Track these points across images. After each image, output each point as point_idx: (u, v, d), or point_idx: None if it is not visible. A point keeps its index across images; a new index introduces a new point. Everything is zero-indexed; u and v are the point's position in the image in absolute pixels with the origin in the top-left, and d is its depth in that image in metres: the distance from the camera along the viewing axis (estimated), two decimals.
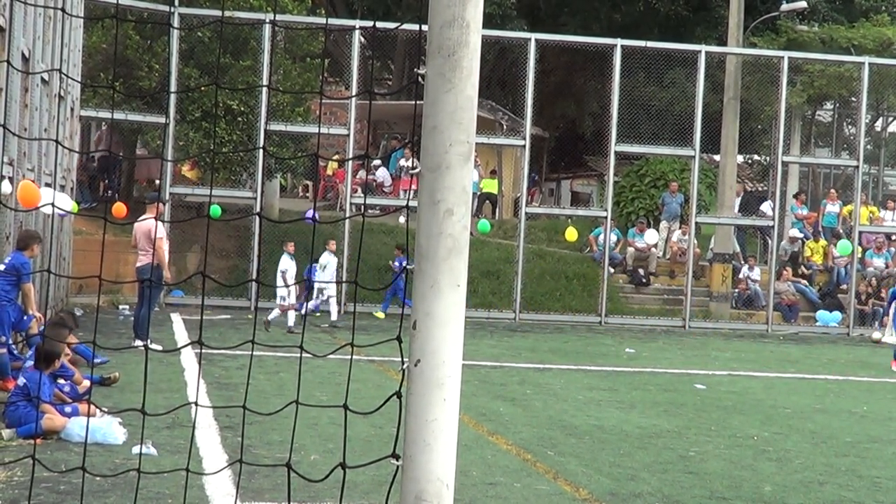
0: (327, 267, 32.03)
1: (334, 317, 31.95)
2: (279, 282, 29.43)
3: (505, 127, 48.35)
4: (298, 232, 35.80)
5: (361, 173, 45.80)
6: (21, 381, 15.65)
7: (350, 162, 41.64)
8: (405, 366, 4.48)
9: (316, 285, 32.13)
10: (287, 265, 30.20)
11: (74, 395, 16.68)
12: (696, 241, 41.22)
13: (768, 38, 54.34)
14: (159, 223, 24.87)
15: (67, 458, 13.18)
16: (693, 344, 34.10)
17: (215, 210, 35.72)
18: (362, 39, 40.19)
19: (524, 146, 40.09)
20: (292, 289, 29.92)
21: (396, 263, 35.30)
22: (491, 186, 47.47)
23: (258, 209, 37.05)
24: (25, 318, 18.69)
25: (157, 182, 40.88)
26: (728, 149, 43.84)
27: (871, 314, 41.18)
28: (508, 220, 45.75)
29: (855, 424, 20.46)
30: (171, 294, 34.57)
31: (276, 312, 29.82)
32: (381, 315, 35.06)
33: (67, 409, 15.79)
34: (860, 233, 42.60)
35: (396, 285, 32.46)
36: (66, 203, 26.12)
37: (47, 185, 23.80)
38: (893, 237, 44.31)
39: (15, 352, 18.41)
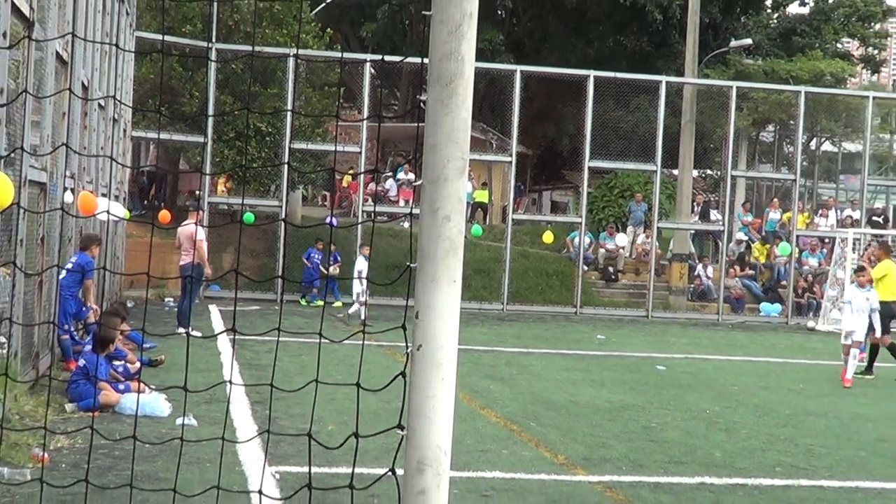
0: None
1: None
2: (355, 281, 29.33)
3: (494, 145, 48.36)
4: (321, 235, 35.82)
5: (372, 185, 45.79)
6: (81, 362, 15.67)
7: (362, 175, 41.67)
8: (409, 350, 4.48)
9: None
10: (362, 265, 30.18)
11: (127, 374, 16.68)
12: (657, 244, 41.33)
13: (719, 69, 54.52)
14: (200, 227, 24.92)
15: (121, 429, 13.17)
16: (655, 331, 34.09)
17: (248, 217, 35.73)
18: (372, 71, 40.19)
19: (511, 162, 40.12)
20: (366, 285, 29.77)
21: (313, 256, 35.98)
22: (482, 196, 47.42)
23: (283, 216, 37.05)
24: (84, 308, 18.71)
25: (198, 192, 40.88)
26: (685, 164, 43.88)
27: (807, 306, 41.27)
28: (497, 225, 45.72)
29: (793, 400, 20.47)
30: (210, 288, 34.54)
31: (355, 307, 29.56)
32: (304, 303, 35.31)
33: (121, 386, 15.81)
34: (797, 236, 42.67)
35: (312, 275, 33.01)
36: (119, 211, 26.12)
37: (103, 195, 23.78)
38: (826, 240, 44.38)
39: (76, 337, 18.42)
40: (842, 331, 23.15)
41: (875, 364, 24.92)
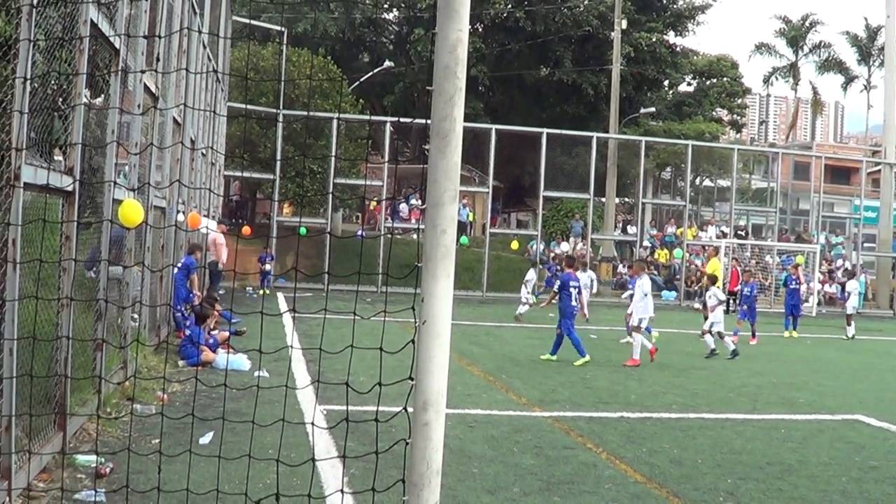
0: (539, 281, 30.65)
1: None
2: (523, 288, 28.36)
3: (477, 180, 48.33)
4: (355, 243, 35.83)
5: (390, 208, 45.84)
6: (187, 332, 15.71)
7: (384, 201, 41.73)
8: (417, 324, 4.46)
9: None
10: (530, 276, 29.40)
11: (216, 341, 16.65)
12: (591, 249, 41.32)
13: (633, 129, 54.83)
14: (221, 235, 25.14)
15: (216, 378, 13.15)
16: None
17: (303, 230, 35.83)
18: (391, 128, 40.21)
19: (488, 192, 40.28)
20: (531, 291, 28.94)
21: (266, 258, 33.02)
22: (469, 216, 47.54)
23: (329, 230, 37.13)
24: (191, 295, 18.71)
25: (268, 213, 40.92)
26: (610, 194, 44.08)
27: (693, 293, 41.30)
28: (479, 236, 45.68)
29: (684, 358, 20.47)
30: (278, 281, 34.44)
31: (524, 308, 28.28)
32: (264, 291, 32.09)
33: (216, 349, 15.83)
34: (687, 244, 42.79)
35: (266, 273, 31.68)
36: (215, 226, 26.17)
37: (204, 215, 23.77)
38: (705, 247, 44.56)
39: (185, 315, 18.42)
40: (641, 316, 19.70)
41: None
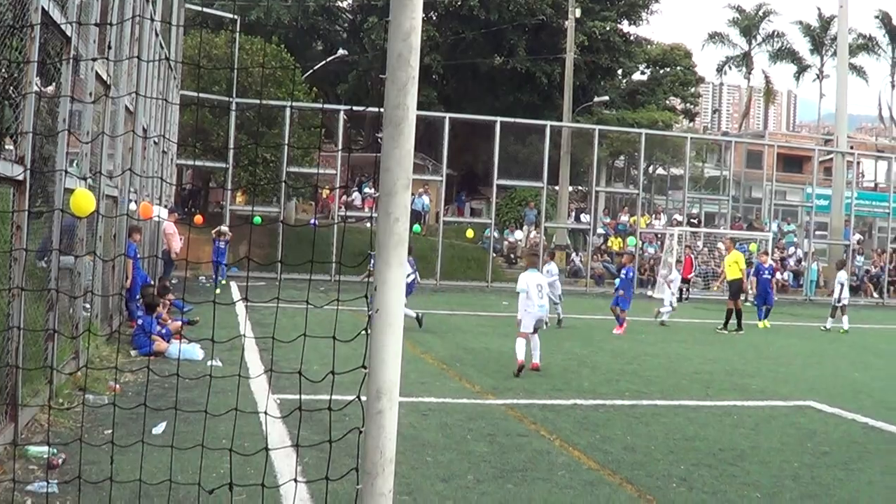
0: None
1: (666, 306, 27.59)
2: (667, 289, 27.22)
3: (430, 169, 48.32)
4: (308, 232, 35.74)
5: (344, 197, 45.74)
6: (139, 322, 15.64)
7: (337, 190, 41.66)
8: (370, 312, 4.48)
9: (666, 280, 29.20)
10: (676, 276, 28.78)
11: (168, 332, 16.55)
12: (544, 237, 41.48)
13: (587, 117, 54.99)
14: (172, 224, 25.29)
15: (168, 368, 13.08)
16: None
17: (257, 219, 35.70)
18: (345, 117, 40.09)
19: (442, 181, 40.29)
20: (675, 292, 27.86)
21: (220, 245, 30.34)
22: (426, 205, 47.59)
23: (282, 219, 37.02)
24: (147, 278, 18.53)
25: (221, 202, 40.68)
26: (563, 182, 44.21)
27: (647, 280, 41.58)
28: (432, 225, 45.69)
29: (637, 345, 20.63)
30: (231, 270, 34.26)
31: (668, 308, 26.84)
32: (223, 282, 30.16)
33: (169, 338, 15.76)
34: (640, 232, 43.06)
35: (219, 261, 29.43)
36: (167, 215, 26.00)
37: (157, 204, 23.59)
38: (658, 235, 44.86)
39: (138, 304, 18.28)
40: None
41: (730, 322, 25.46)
